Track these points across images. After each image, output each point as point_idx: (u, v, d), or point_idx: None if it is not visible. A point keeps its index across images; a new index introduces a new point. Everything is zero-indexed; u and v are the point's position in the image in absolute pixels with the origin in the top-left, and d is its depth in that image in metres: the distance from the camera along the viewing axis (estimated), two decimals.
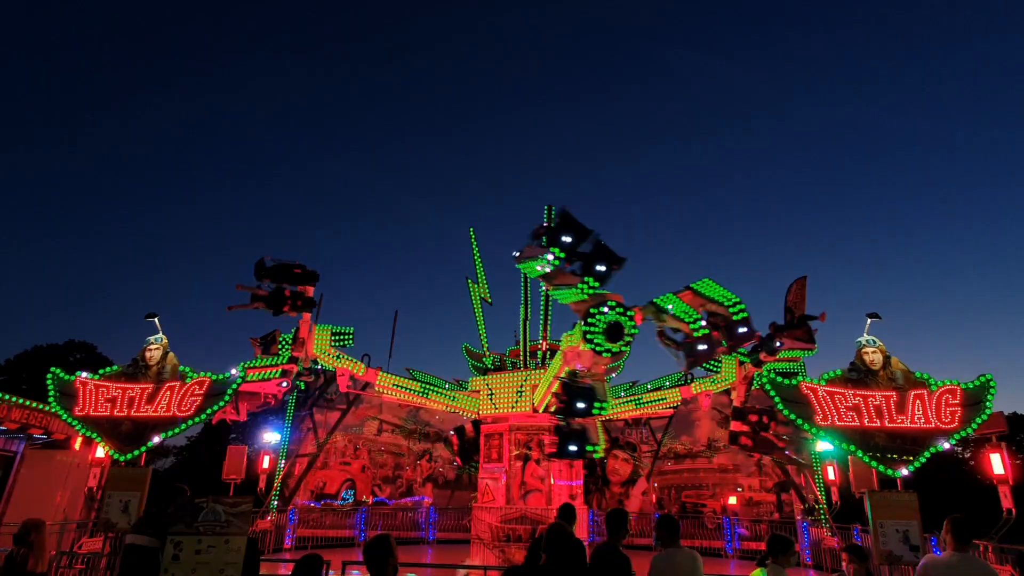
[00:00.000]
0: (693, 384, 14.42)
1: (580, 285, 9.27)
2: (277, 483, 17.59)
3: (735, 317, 9.59)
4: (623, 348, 9.05)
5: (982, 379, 9.51)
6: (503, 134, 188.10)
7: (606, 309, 9.04)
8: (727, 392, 18.87)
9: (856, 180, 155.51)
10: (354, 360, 13.41)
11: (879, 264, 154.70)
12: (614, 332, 8.99)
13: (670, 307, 9.70)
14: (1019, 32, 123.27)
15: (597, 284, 9.29)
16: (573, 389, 9.29)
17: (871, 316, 10.28)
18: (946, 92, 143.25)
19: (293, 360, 12.18)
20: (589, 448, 9.38)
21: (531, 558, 5.57)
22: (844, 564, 4.96)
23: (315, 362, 12.97)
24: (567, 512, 6.10)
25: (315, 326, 12.20)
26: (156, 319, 11.19)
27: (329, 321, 12.60)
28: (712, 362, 13.62)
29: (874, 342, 10.02)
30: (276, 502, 17.30)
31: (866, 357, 9.92)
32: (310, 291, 10.92)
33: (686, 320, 9.65)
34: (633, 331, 9.10)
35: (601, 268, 9.33)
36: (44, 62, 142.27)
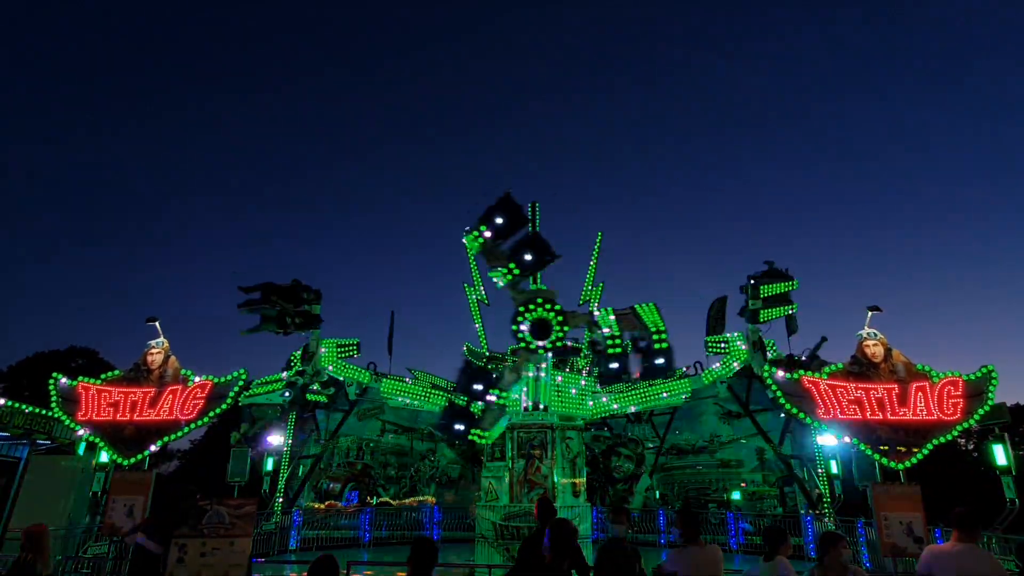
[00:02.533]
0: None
1: (505, 268, 10.04)
2: (281, 485, 17.60)
3: (655, 346, 10.91)
4: (550, 345, 9.83)
5: (984, 370, 9.51)
6: (501, 134, 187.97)
7: (535, 307, 9.83)
8: (731, 385, 18.94)
9: (856, 173, 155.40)
10: (359, 369, 13.99)
11: (880, 257, 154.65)
12: (542, 329, 9.82)
13: (603, 323, 10.93)
14: (1018, 28, 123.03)
15: (518, 271, 10.00)
16: None
17: (872, 309, 10.27)
18: (950, 86, 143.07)
19: (300, 372, 12.56)
20: None
21: (523, 556, 5.48)
22: (839, 553, 4.87)
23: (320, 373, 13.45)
24: (546, 507, 5.89)
25: (319, 342, 12.81)
26: (157, 323, 11.19)
27: (329, 322, 12.99)
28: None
29: (875, 335, 10.01)
30: (280, 503, 17.30)
31: (867, 350, 9.91)
32: (316, 310, 11.65)
33: (610, 337, 10.87)
34: (559, 333, 9.98)
35: (529, 257, 10.04)
36: (46, 68, 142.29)
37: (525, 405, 13.16)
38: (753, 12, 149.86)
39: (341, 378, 14.05)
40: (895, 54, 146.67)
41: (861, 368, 9.82)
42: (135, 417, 10.46)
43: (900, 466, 9.15)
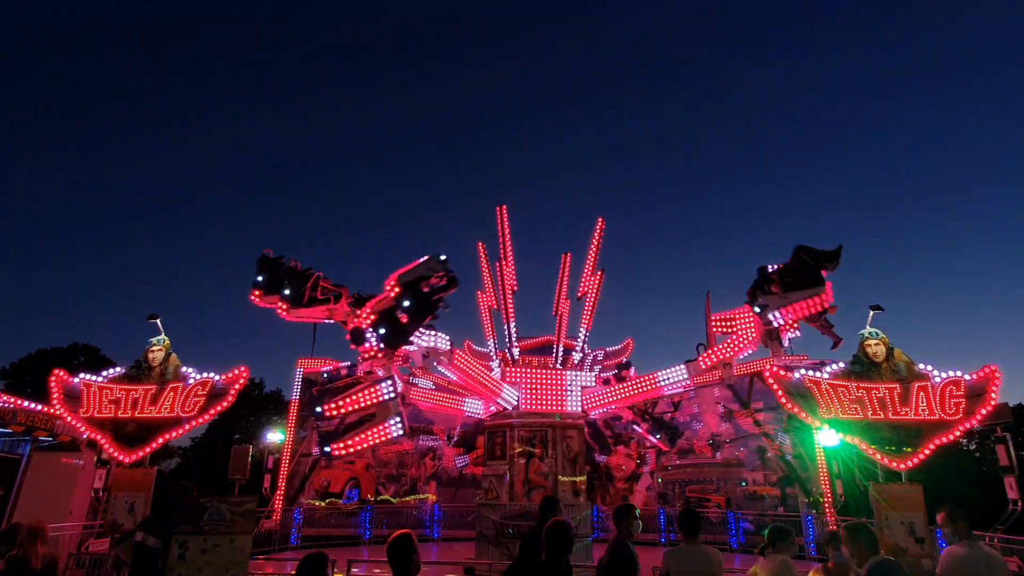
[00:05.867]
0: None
1: None
2: (282, 483, 17.63)
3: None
4: None
5: (986, 370, 9.47)
6: (509, 137, 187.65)
7: None
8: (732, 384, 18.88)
9: (859, 175, 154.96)
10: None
11: (882, 256, 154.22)
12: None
13: None
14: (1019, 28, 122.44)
15: None
16: None
17: (874, 308, 10.24)
18: (955, 87, 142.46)
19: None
20: None
21: (524, 554, 5.50)
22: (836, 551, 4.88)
23: None
24: (550, 504, 5.92)
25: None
26: (158, 320, 11.19)
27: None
28: None
29: (877, 334, 9.98)
30: (280, 501, 17.33)
31: (869, 349, 9.88)
32: None
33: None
34: None
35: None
36: (51, 70, 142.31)
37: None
38: (762, 16, 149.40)
39: None
40: (894, 54, 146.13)
41: (863, 367, 9.80)
42: (136, 414, 10.47)
43: (902, 466, 9.12)
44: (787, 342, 10.95)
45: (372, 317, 9.93)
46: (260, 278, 10.19)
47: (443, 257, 10.45)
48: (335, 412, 10.06)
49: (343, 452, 10.47)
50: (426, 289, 10.10)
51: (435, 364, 12.07)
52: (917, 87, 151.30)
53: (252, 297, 10.30)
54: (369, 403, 10.12)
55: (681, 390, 13.80)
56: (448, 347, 11.53)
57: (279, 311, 10.20)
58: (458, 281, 10.55)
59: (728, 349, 11.55)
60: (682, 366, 12.34)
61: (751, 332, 10.99)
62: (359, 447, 10.45)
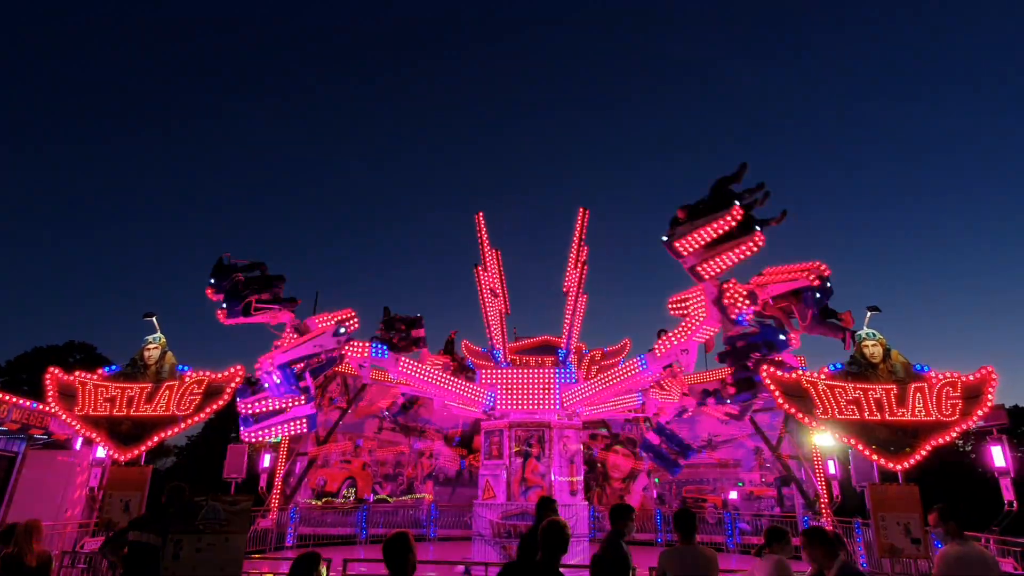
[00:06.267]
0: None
1: None
2: (278, 482, 17.59)
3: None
4: None
5: (983, 371, 9.48)
6: (509, 137, 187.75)
7: None
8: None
9: (859, 175, 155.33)
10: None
11: (882, 256, 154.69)
12: None
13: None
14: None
15: None
16: None
17: (871, 309, 10.25)
18: (956, 87, 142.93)
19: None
20: None
21: (523, 554, 5.51)
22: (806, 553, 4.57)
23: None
24: (547, 504, 5.98)
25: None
26: (154, 319, 11.17)
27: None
28: None
29: (874, 335, 9.99)
30: (276, 500, 17.29)
31: (866, 350, 9.89)
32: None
33: None
34: None
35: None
36: (51, 70, 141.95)
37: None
38: (762, 16, 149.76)
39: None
40: (894, 54, 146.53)
41: (860, 368, 9.81)
42: (132, 412, 10.45)
43: (898, 467, 9.13)
44: (746, 319, 10.28)
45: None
46: (213, 280, 10.97)
47: (342, 330, 11.12)
48: (243, 410, 10.99)
49: (250, 439, 12.05)
50: (299, 368, 10.92)
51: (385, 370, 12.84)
52: (917, 87, 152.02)
53: (207, 292, 11.01)
54: (279, 406, 11.00)
55: (649, 384, 13.54)
56: (385, 356, 11.97)
57: (218, 314, 11.01)
58: (345, 357, 11.52)
59: (683, 332, 10.87)
60: (644, 356, 12.00)
61: (702, 310, 10.41)
62: (266, 437, 11.92)
